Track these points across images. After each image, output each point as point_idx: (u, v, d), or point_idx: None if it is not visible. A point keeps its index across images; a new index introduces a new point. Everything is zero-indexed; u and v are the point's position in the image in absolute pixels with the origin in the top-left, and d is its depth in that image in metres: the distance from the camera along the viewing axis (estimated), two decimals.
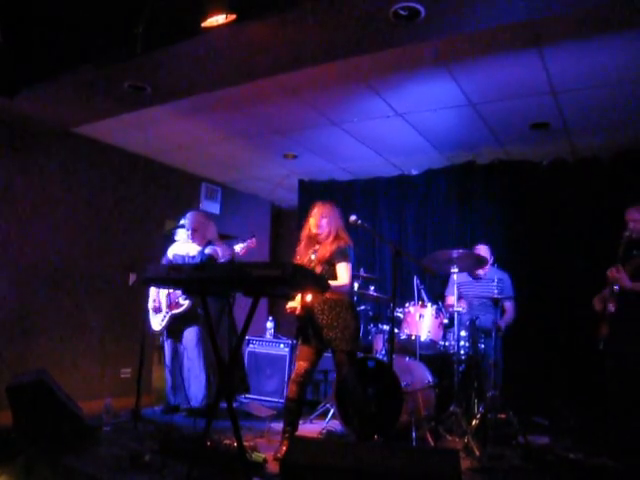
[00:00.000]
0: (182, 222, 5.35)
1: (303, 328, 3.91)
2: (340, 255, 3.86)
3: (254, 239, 5.01)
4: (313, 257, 3.93)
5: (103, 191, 5.85)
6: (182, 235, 5.35)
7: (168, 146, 5.99)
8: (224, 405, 2.95)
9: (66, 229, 5.48)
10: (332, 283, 3.69)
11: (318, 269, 3.85)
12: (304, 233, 4.07)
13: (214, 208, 7.18)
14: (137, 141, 5.86)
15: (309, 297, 3.83)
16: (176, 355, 5.15)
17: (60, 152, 5.45)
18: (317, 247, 3.97)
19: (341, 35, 3.40)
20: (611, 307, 4.09)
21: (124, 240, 5.99)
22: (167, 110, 4.89)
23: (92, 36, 3.57)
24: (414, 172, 6.58)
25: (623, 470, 3.28)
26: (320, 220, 3.94)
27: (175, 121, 5.22)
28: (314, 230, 3.96)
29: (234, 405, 5.34)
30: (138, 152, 6.18)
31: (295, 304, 3.91)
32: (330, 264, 3.86)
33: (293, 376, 3.90)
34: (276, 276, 2.56)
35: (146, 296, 5.22)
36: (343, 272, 3.81)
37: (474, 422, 4.29)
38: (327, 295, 3.74)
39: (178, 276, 3.05)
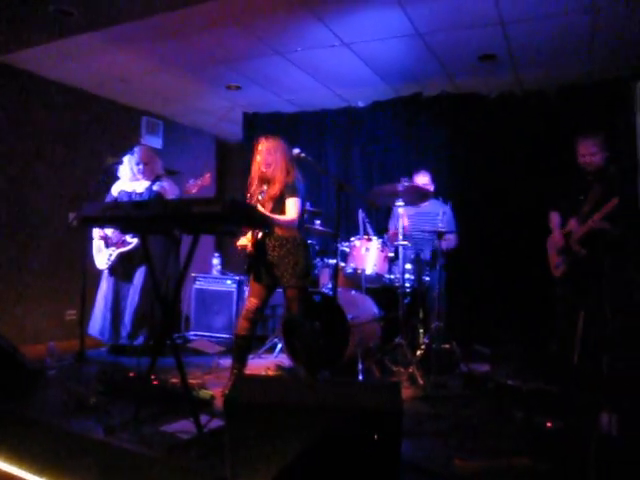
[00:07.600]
0: (124, 158, 5.09)
1: (254, 265, 3.85)
2: (289, 190, 3.76)
3: (208, 176, 4.77)
4: (262, 196, 3.83)
5: (40, 126, 5.58)
6: (126, 171, 5.10)
7: (105, 78, 5.70)
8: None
9: (1, 166, 5.21)
10: (278, 217, 3.67)
11: (268, 207, 3.76)
12: (253, 172, 3.90)
13: (156, 143, 6.91)
14: (73, 73, 5.55)
15: (260, 234, 3.77)
16: (118, 293, 5.01)
17: None
18: (266, 186, 3.84)
19: None
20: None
21: (63, 177, 5.77)
22: (102, 39, 4.63)
23: None
24: (360, 104, 6.47)
25: (555, 392, 3.45)
26: (267, 157, 3.79)
27: (111, 50, 4.94)
28: (262, 169, 3.81)
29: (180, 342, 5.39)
30: (74, 85, 5.88)
31: (245, 241, 3.83)
32: (281, 201, 3.76)
33: (243, 312, 3.86)
34: (216, 213, 2.48)
35: (88, 234, 5.03)
36: (291, 207, 3.72)
37: (419, 353, 4.40)
38: (278, 232, 3.71)
39: (116, 214, 2.95)
